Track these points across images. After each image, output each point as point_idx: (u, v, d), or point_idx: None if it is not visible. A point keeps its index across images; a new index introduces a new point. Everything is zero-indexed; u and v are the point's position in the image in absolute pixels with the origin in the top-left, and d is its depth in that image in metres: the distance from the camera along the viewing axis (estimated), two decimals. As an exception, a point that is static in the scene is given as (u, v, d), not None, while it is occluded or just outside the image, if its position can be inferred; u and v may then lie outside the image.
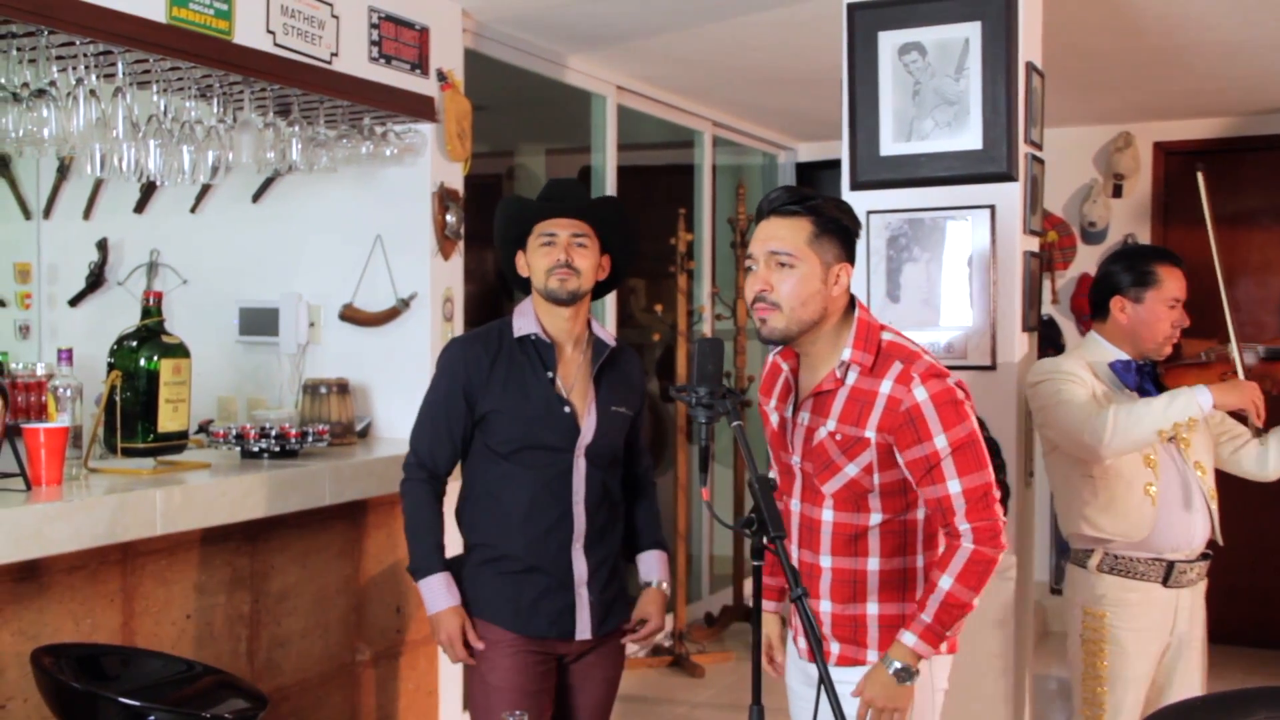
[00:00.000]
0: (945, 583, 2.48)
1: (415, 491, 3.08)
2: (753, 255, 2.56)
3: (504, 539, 3.02)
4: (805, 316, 2.51)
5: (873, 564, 2.59)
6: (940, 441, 2.47)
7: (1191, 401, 3.19)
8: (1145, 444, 3.25)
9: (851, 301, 2.59)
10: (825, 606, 2.62)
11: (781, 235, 2.51)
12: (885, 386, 2.49)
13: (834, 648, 2.63)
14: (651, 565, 3.22)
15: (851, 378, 2.53)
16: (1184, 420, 3.19)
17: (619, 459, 3.16)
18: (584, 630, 3.04)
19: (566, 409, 3.02)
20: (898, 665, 2.49)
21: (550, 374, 3.03)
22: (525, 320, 3.06)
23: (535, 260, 3.01)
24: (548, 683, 3.05)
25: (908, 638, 2.50)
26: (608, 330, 3.21)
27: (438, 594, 3.01)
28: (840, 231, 2.53)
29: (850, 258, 2.56)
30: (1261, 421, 3.31)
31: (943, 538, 2.57)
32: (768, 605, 2.84)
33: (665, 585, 3.22)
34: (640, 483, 3.28)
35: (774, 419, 2.72)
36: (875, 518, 2.57)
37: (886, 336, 2.57)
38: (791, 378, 2.66)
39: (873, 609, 2.60)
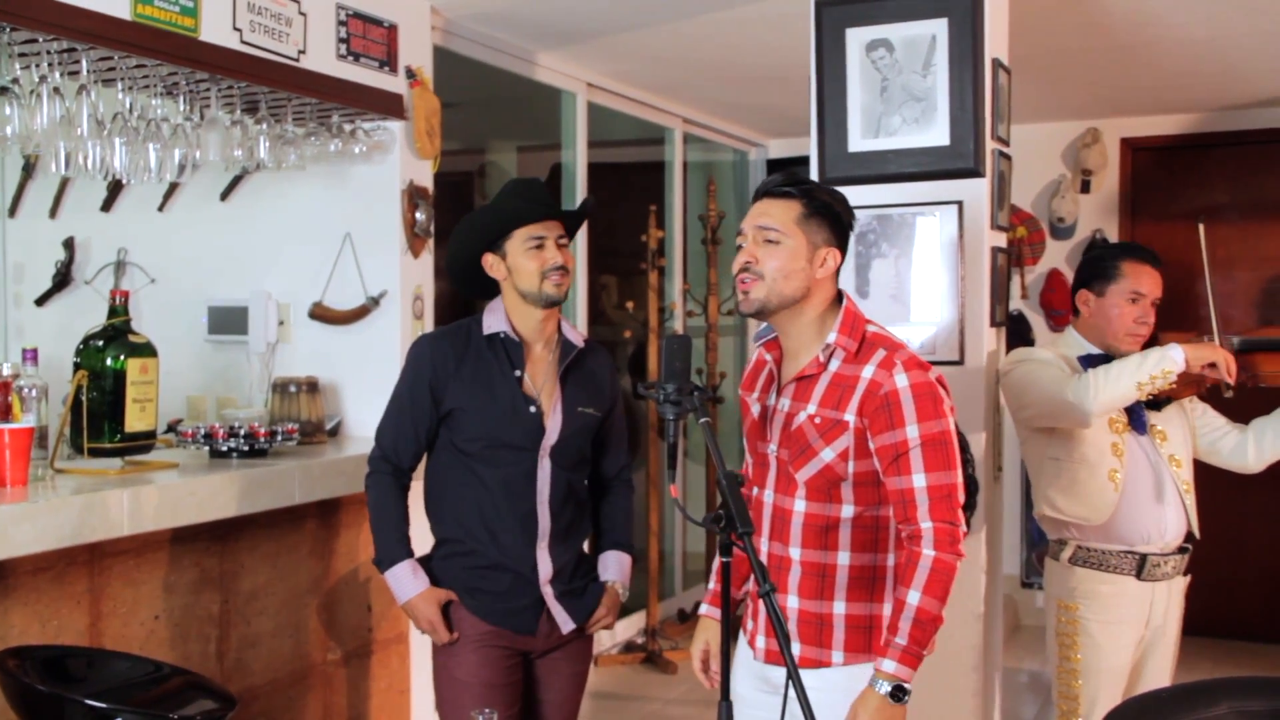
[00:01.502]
0: (914, 598, 2.40)
1: (380, 484, 3.10)
2: (743, 231, 2.58)
3: (470, 535, 3.05)
4: (786, 291, 2.52)
5: (843, 558, 2.55)
6: (912, 431, 2.45)
7: (1165, 355, 3.24)
8: (1128, 399, 3.28)
9: (840, 296, 2.61)
10: (792, 602, 2.58)
11: (772, 213, 2.54)
12: (867, 371, 2.49)
13: (794, 648, 2.55)
14: (608, 565, 3.22)
15: (834, 364, 2.54)
16: (1159, 373, 3.22)
17: (586, 459, 3.18)
18: (566, 624, 3.08)
19: (532, 408, 3.04)
20: (889, 686, 2.38)
21: (518, 372, 3.05)
22: (495, 318, 3.07)
23: (523, 263, 3.00)
24: (514, 676, 3.07)
25: (888, 665, 2.39)
26: (578, 330, 3.22)
27: (405, 581, 3.04)
28: (830, 215, 2.55)
29: (840, 244, 2.57)
30: (1232, 378, 3.32)
31: (903, 543, 2.50)
32: (713, 611, 2.78)
33: (620, 586, 3.21)
34: (611, 483, 3.28)
35: (755, 409, 2.69)
36: (847, 510, 2.54)
37: (871, 328, 2.59)
38: (775, 368, 2.66)
39: (840, 608, 2.55)
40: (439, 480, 3.11)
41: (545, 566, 3.06)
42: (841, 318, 2.56)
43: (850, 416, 2.50)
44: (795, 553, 2.57)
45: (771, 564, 2.61)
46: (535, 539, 3.05)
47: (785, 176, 2.60)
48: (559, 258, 3.01)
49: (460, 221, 3.12)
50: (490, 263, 3.06)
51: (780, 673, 2.46)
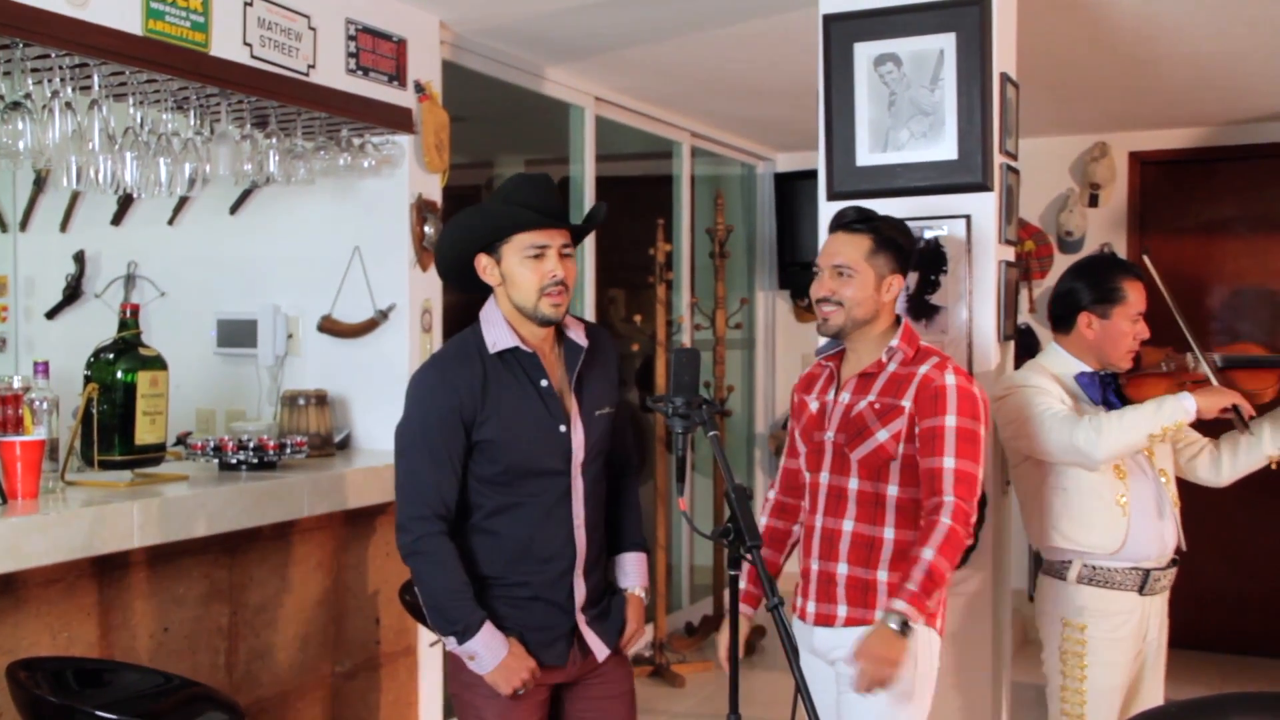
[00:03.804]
0: (928, 554, 2.77)
1: (436, 547, 2.70)
2: (819, 265, 3.03)
3: (509, 571, 2.77)
4: (859, 315, 2.97)
5: (889, 533, 2.93)
6: (951, 420, 2.86)
7: (1179, 406, 3.23)
8: (1138, 447, 3.29)
9: (898, 318, 3.05)
10: (842, 569, 2.95)
11: (844, 250, 2.98)
12: (922, 369, 2.93)
13: (841, 610, 2.95)
14: (626, 569, 2.99)
15: (892, 365, 2.97)
16: (1173, 425, 3.22)
17: (607, 462, 2.94)
18: (601, 651, 2.86)
19: (562, 428, 2.77)
20: (895, 621, 2.74)
21: (545, 382, 2.77)
22: (498, 331, 2.76)
23: (520, 273, 2.70)
24: (541, 713, 2.84)
25: (898, 604, 2.75)
26: (577, 320, 2.91)
27: (496, 642, 2.70)
28: (895, 248, 2.99)
29: (902, 270, 3.02)
30: (1251, 414, 3.33)
31: (923, 517, 2.85)
32: (746, 609, 3.10)
33: (641, 591, 2.98)
34: (620, 474, 3.00)
35: (813, 406, 3.09)
36: (893, 489, 2.93)
37: (923, 343, 3.06)
38: (836, 372, 3.07)
39: (883, 575, 2.92)
40: (466, 517, 2.80)
41: (581, 593, 2.82)
42: (902, 330, 3.01)
43: (907, 403, 2.91)
44: (848, 525, 2.97)
45: (824, 536, 3.00)
46: (573, 567, 2.80)
47: (858, 213, 3.03)
48: (559, 270, 2.70)
49: (454, 218, 2.81)
50: (484, 265, 2.75)
51: (830, 636, 2.95)
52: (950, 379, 2.89)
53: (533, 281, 2.70)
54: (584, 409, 2.83)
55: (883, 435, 2.91)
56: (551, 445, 2.76)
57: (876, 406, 2.93)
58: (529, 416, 2.74)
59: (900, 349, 2.97)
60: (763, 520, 3.22)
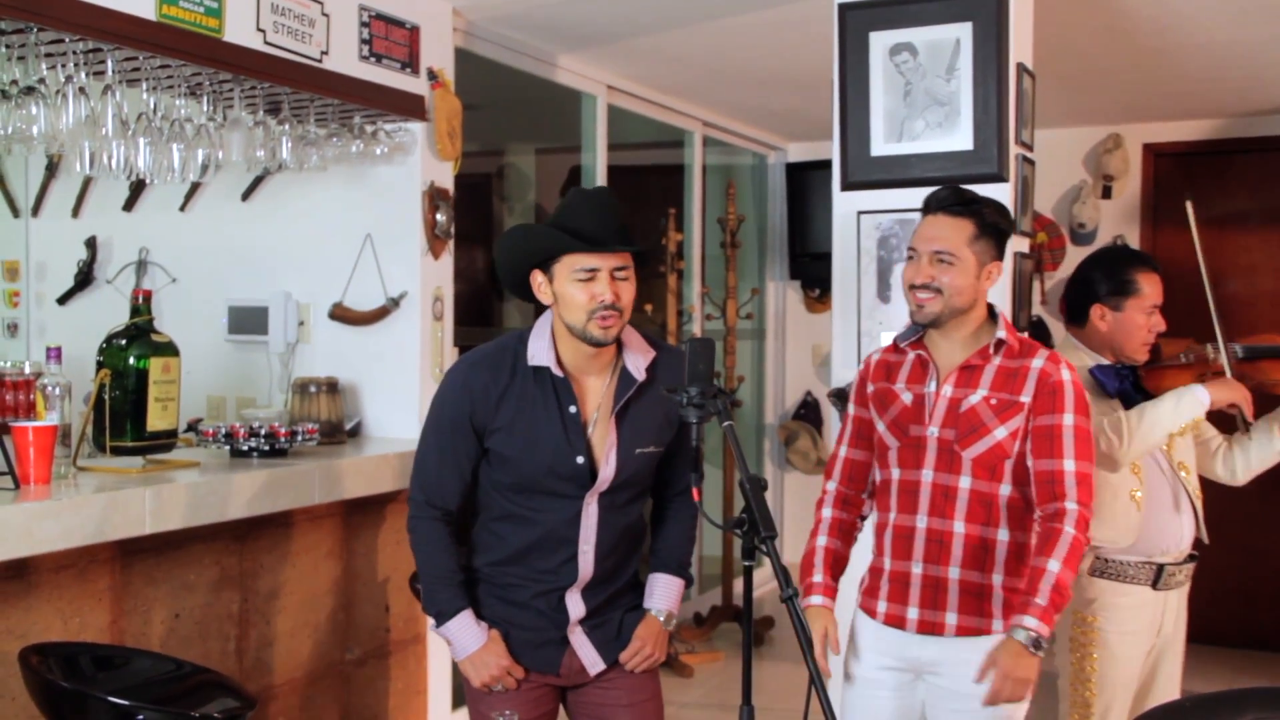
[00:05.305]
0: (1054, 566, 2.67)
1: (427, 531, 2.77)
2: (916, 249, 2.83)
3: (503, 571, 2.80)
4: (958, 304, 2.79)
5: (1003, 534, 2.78)
6: (1069, 419, 2.75)
7: (1195, 401, 3.23)
8: (1159, 445, 3.30)
9: (991, 307, 2.89)
10: (954, 574, 2.79)
11: (945, 235, 2.79)
12: (1036, 363, 2.80)
13: (951, 619, 2.78)
14: (654, 591, 2.89)
15: (998, 358, 2.82)
16: (1190, 420, 3.23)
17: (644, 492, 2.86)
18: (594, 665, 2.81)
19: (579, 459, 2.70)
20: (1027, 637, 2.64)
21: (573, 408, 2.70)
22: (540, 347, 2.72)
23: (570, 294, 2.63)
24: (545, 707, 2.84)
25: (1029, 620, 2.65)
26: (645, 343, 2.80)
27: (469, 633, 2.75)
28: (997, 234, 2.83)
29: (1001, 256, 2.85)
30: (1251, 417, 3.34)
31: (1039, 522, 2.74)
32: (827, 601, 2.89)
33: (663, 614, 2.88)
34: (673, 499, 2.94)
35: (905, 397, 2.87)
36: (1005, 488, 2.78)
37: (1022, 334, 2.94)
38: (929, 356, 2.87)
39: (998, 579, 2.78)
40: (481, 510, 2.85)
41: (577, 609, 2.79)
42: (1003, 322, 2.86)
43: (1026, 399, 2.78)
44: (959, 527, 2.79)
45: (931, 538, 2.81)
46: (571, 585, 2.77)
47: (956, 194, 2.83)
48: (610, 294, 2.61)
49: (508, 232, 2.77)
50: (538, 283, 2.70)
51: (935, 645, 2.79)
52: (1066, 374, 2.77)
53: (581, 304, 2.63)
54: (622, 443, 2.74)
55: (1001, 433, 2.75)
56: (564, 472, 2.71)
57: (993, 402, 2.76)
58: (545, 440, 2.69)
59: (1008, 341, 2.82)
60: (826, 512, 2.99)
